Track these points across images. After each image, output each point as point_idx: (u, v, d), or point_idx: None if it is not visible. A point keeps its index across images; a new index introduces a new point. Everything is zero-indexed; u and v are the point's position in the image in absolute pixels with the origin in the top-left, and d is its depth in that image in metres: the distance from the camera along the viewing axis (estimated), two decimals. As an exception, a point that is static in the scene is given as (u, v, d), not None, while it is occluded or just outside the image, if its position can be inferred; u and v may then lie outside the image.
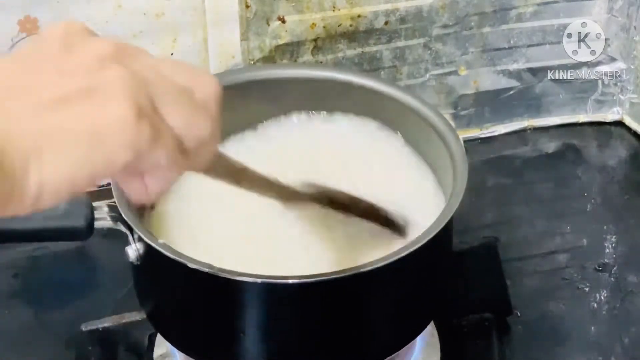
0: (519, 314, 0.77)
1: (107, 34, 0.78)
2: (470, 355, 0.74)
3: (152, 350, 0.72)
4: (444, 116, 0.71)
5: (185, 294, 0.63)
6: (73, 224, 0.63)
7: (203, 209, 0.71)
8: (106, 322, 0.72)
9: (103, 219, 0.64)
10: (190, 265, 0.59)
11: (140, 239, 0.63)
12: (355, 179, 0.70)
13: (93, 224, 0.63)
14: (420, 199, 0.71)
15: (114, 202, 0.63)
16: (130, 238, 0.64)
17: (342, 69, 0.83)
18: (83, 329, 0.72)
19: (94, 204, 0.64)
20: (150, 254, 0.62)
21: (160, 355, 0.72)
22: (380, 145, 0.74)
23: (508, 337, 0.75)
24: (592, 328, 0.77)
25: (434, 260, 0.64)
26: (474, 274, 0.74)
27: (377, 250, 0.63)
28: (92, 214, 0.63)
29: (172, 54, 0.82)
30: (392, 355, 0.66)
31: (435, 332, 0.73)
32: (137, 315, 0.72)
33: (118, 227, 0.64)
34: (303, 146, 0.74)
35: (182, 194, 0.72)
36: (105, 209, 0.64)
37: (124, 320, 0.72)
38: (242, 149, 0.74)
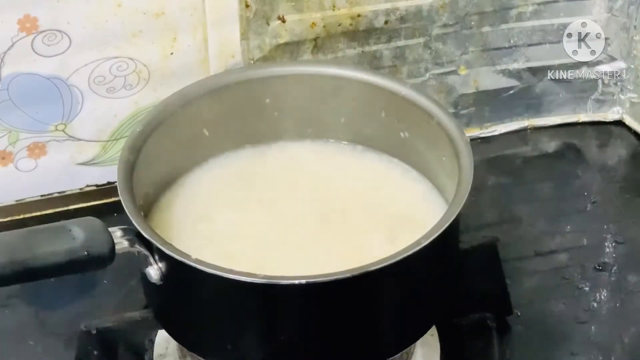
0: (519, 314, 0.77)
1: (107, 33, 0.79)
2: (470, 355, 0.74)
3: (152, 350, 0.72)
4: (450, 112, 0.71)
5: (218, 305, 0.62)
6: (97, 252, 0.61)
7: (203, 212, 0.71)
8: (106, 322, 0.72)
9: (119, 243, 0.62)
10: (228, 276, 0.58)
11: (164, 258, 0.62)
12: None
13: (114, 249, 0.61)
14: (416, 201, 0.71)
15: (127, 226, 0.62)
16: (151, 259, 0.62)
17: (346, 66, 0.83)
18: (83, 328, 0.72)
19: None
20: (179, 271, 0.61)
21: (160, 355, 0.72)
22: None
23: (508, 337, 0.75)
24: (592, 328, 0.77)
25: (442, 258, 0.65)
26: (474, 274, 0.74)
27: (378, 249, 0.63)
28: (112, 238, 0.61)
29: (171, 53, 0.81)
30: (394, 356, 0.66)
31: (435, 332, 0.73)
32: (137, 315, 0.72)
33: (136, 249, 0.62)
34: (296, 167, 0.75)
35: (181, 197, 0.73)
36: (119, 232, 0.62)
37: (124, 320, 0.72)
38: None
